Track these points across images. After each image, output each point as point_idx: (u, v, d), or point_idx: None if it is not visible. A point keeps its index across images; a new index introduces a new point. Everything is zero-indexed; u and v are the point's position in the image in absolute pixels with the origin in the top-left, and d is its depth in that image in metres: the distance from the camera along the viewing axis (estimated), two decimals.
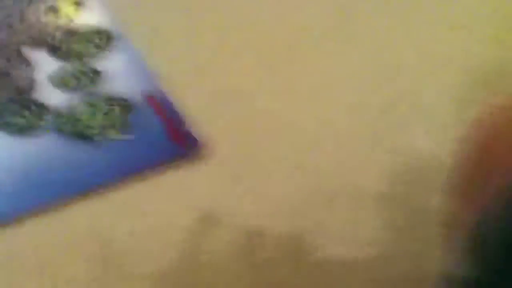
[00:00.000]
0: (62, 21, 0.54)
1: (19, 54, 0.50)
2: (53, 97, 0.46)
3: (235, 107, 0.46)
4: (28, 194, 0.38)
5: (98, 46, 0.51)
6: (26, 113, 0.44)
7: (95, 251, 0.36)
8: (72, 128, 0.42)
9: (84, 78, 0.48)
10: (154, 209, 0.38)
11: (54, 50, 0.51)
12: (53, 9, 0.55)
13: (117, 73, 0.49)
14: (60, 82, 0.47)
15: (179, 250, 0.37)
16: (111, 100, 0.45)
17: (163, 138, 0.42)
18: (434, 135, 0.44)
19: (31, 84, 0.47)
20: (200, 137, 0.42)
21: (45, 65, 0.49)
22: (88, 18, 0.55)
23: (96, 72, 0.48)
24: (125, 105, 0.45)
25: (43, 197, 0.38)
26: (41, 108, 0.44)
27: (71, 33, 0.53)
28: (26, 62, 0.49)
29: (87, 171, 0.40)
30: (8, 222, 0.37)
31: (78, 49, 0.51)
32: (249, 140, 0.43)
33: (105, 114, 0.44)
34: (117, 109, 0.45)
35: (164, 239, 0.37)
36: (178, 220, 0.38)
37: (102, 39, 0.52)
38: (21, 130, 0.42)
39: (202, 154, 0.42)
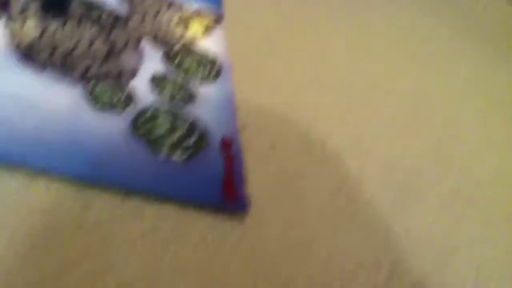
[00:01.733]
0: (187, 36, 0.56)
1: (138, 42, 0.52)
2: (146, 95, 0.46)
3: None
4: (61, 156, 0.38)
5: (206, 75, 0.52)
6: (116, 95, 0.45)
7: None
8: (146, 132, 0.42)
9: (180, 94, 0.48)
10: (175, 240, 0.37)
11: (168, 57, 0.52)
12: (185, 23, 0.58)
13: (210, 104, 0.49)
14: (159, 85, 0.48)
15: None
16: (193, 127, 0.45)
17: (218, 186, 0.42)
18: None
19: (133, 73, 0.48)
20: (249, 202, 0.42)
21: (154, 64, 0.50)
22: (209, 45, 0.57)
23: (193, 95, 0.49)
24: (202, 138, 0.45)
25: (69, 166, 0.37)
26: (131, 98, 0.45)
27: (189, 50, 0.54)
28: (140, 53, 0.51)
29: (135, 172, 0.40)
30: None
31: (188, 66, 0.52)
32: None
33: (182, 136, 0.44)
34: (194, 138, 0.45)
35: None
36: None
37: (212, 70, 0.53)
38: (103, 107, 0.43)
39: (242, 215, 0.41)
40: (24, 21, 0.46)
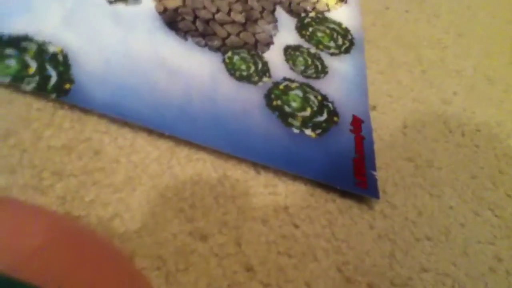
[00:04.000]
0: (319, 5, 0.55)
1: (273, 11, 0.51)
2: (280, 66, 0.46)
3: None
4: (201, 126, 0.39)
5: (338, 46, 0.51)
6: (252, 65, 0.45)
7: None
8: (280, 106, 0.42)
9: (312, 67, 0.47)
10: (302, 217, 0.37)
11: (301, 27, 0.51)
12: None
13: (341, 79, 0.48)
14: (292, 57, 0.48)
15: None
16: (325, 102, 0.45)
17: (348, 166, 0.41)
18: None
19: (268, 44, 0.48)
20: (378, 187, 0.40)
21: (288, 34, 0.50)
22: (342, 15, 0.55)
23: (324, 69, 0.48)
24: (333, 114, 0.44)
25: (209, 136, 0.38)
26: (266, 69, 0.45)
27: (322, 20, 0.53)
28: (274, 22, 0.50)
29: (270, 146, 0.40)
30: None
31: (321, 38, 0.51)
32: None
33: (313, 112, 0.44)
34: (325, 114, 0.44)
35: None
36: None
37: (345, 42, 0.52)
38: (240, 76, 0.43)
39: (372, 201, 0.40)
40: None
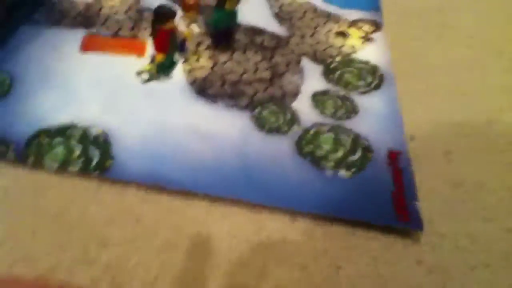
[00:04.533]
0: (345, 48, 0.56)
1: (298, 62, 0.53)
2: (308, 113, 0.47)
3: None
4: (237, 182, 0.40)
5: (368, 84, 0.51)
6: (281, 117, 0.46)
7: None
8: (311, 151, 0.43)
9: (342, 110, 0.48)
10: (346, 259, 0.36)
11: (328, 72, 0.52)
12: (343, 35, 0.58)
13: (373, 115, 0.48)
14: (320, 102, 0.49)
15: None
16: (357, 142, 0.45)
17: (388, 202, 0.40)
18: None
19: (295, 93, 0.50)
20: (422, 218, 0.39)
21: (314, 81, 0.51)
22: (369, 54, 0.55)
23: (355, 108, 0.48)
24: (367, 152, 0.44)
25: (244, 191, 0.39)
26: (295, 118, 0.46)
27: (349, 62, 0.54)
28: (300, 72, 0.52)
29: (304, 193, 0.40)
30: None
31: (349, 79, 0.52)
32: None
33: (346, 152, 0.44)
34: (358, 153, 0.44)
35: None
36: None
37: (375, 79, 0.52)
38: (270, 130, 0.45)
39: (416, 234, 0.38)
40: (197, 59, 0.51)
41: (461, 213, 0.40)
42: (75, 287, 0.30)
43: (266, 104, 0.47)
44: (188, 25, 0.50)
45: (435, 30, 0.60)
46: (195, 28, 0.51)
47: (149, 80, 0.47)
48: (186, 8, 0.50)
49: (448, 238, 0.38)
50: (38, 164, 0.39)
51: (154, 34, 0.46)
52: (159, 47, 0.46)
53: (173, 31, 0.47)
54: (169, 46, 0.47)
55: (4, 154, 0.39)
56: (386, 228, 0.38)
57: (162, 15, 0.45)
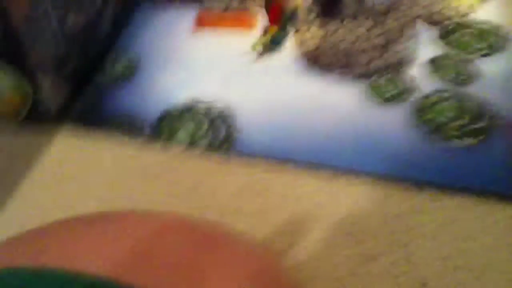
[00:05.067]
0: (462, 8, 0.53)
1: (413, 25, 0.51)
2: (427, 80, 0.46)
3: None
4: (356, 154, 0.40)
5: (490, 46, 0.48)
6: (399, 84, 0.45)
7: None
8: (432, 119, 0.42)
9: (462, 74, 0.46)
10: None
11: (445, 35, 0.50)
12: None
13: (499, 79, 0.46)
14: (439, 68, 0.47)
15: None
16: (482, 109, 0.43)
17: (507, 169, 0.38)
18: None
19: (412, 59, 0.48)
20: None
21: (431, 46, 0.49)
22: (488, 14, 0.52)
23: (477, 73, 0.46)
24: (493, 120, 0.42)
25: (365, 163, 0.39)
26: (413, 86, 0.45)
27: (467, 24, 0.51)
28: (416, 36, 0.50)
29: (426, 163, 0.40)
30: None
31: (468, 42, 0.49)
32: None
33: (471, 120, 0.42)
34: (484, 121, 0.42)
35: None
36: None
37: (495, 41, 0.49)
38: (387, 99, 0.44)
39: None
40: (308, 29, 0.51)
41: None
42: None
43: (382, 72, 0.46)
44: None
45: None
46: (306, 0, 0.51)
47: (263, 53, 0.48)
48: None
49: None
50: (171, 139, 0.41)
51: (268, 7, 0.46)
52: (274, 19, 0.47)
53: (285, 2, 0.47)
54: (283, 18, 0.48)
55: (142, 131, 0.42)
56: None
57: None
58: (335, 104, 0.44)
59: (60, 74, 0.43)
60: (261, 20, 0.51)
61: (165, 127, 0.42)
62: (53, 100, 0.43)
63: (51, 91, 0.42)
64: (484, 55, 0.48)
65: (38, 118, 0.42)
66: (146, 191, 0.39)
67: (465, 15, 0.52)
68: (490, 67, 0.46)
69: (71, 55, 0.44)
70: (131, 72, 0.47)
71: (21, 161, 0.41)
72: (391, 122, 0.42)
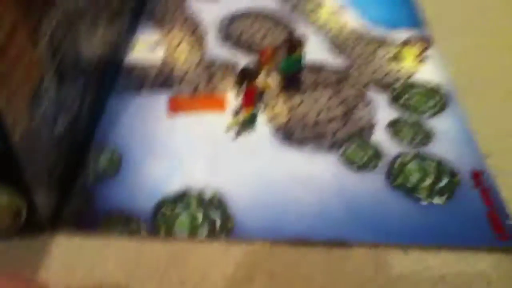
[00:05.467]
0: (403, 72, 0.60)
1: (364, 93, 0.57)
2: (388, 144, 0.51)
3: None
4: (345, 224, 0.44)
5: (435, 105, 0.55)
6: (365, 152, 0.50)
7: None
8: (402, 185, 0.47)
9: (419, 135, 0.52)
10: None
11: (397, 97, 0.56)
12: (397, 59, 0.61)
13: (448, 137, 0.52)
14: (397, 133, 0.52)
15: None
16: (441, 167, 0.49)
17: (484, 223, 0.44)
18: None
19: (371, 126, 0.53)
20: None
21: (384, 110, 0.55)
22: (427, 74, 0.59)
23: (429, 132, 0.52)
24: (454, 175, 0.48)
25: (354, 232, 0.43)
26: (378, 152, 0.50)
27: (410, 85, 0.58)
28: (370, 103, 0.56)
29: (401, 225, 0.45)
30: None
31: (416, 103, 0.55)
32: None
33: (435, 178, 0.48)
34: (446, 178, 0.48)
35: None
36: None
37: (441, 99, 0.56)
38: (358, 167, 0.49)
39: None
40: (275, 104, 0.55)
41: None
42: None
43: (349, 140, 0.51)
44: (266, 77, 0.54)
45: (486, 38, 0.63)
46: (273, 80, 0.55)
47: (239, 132, 0.52)
48: (264, 61, 0.54)
49: None
50: (169, 234, 0.43)
51: (241, 91, 0.50)
52: (248, 102, 0.51)
53: (259, 84, 0.51)
54: (256, 99, 0.51)
55: (138, 231, 0.43)
56: (490, 249, 0.42)
57: (250, 73, 0.49)
58: (316, 177, 0.48)
59: (50, 182, 0.43)
60: (231, 100, 0.55)
61: (161, 221, 0.44)
62: (46, 210, 0.43)
63: (43, 201, 0.42)
64: (432, 115, 0.54)
65: (31, 230, 0.42)
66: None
67: (408, 77, 0.59)
68: (440, 126, 0.53)
69: (59, 159, 0.44)
70: (116, 167, 0.48)
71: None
72: (367, 189, 0.47)
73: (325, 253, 0.43)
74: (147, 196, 0.46)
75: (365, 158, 0.50)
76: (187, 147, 0.50)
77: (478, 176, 0.48)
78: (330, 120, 0.54)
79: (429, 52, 0.62)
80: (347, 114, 0.54)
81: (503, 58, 0.60)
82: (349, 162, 0.49)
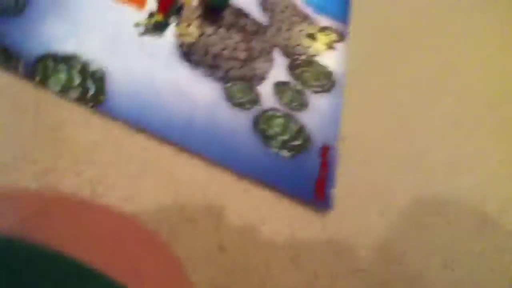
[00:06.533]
0: (311, 50, 0.66)
1: (271, 51, 0.63)
2: (269, 98, 0.58)
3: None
4: (201, 141, 0.50)
5: (321, 86, 0.62)
6: (247, 95, 0.56)
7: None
8: (264, 129, 0.54)
9: (296, 101, 0.59)
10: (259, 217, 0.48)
11: (292, 67, 0.63)
12: (312, 37, 0.68)
13: (319, 113, 0.59)
14: (280, 91, 0.59)
15: None
16: (301, 131, 0.56)
17: (312, 184, 0.52)
18: None
19: (262, 78, 0.59)
20: (333, 202, 0.51)
21: (279, 72, 0.61)
22: (329, 60, 0.66)
23: (306, 103, 0.59)
24: (306, 141, 0.55)
25: (203, 147, 0.50)
26: (257, 99, 0.56)
27: (310, 62, 0.64)
28: (270, 61, 0.62)
29: (251, 160, 0.51)
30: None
31: (307, 78, 0.62)
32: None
33: (291, 137, 0.55)
34: (300, 140, 0.55)
35: None
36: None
37: (328, 83, 0.63)
38: (235, 104, 0.55)
39: (326, 211, 0.51)
40: (188, 25, 0.59)
41: (366, 206, 0.53)
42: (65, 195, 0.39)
43: (237, 81, 0.57)
44: None
45: (396, 52, 0.71)
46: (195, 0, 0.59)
47: (144, 33, 0.55)
48: None
49: (346, 220, 0.51)
50: (43, 84, 0.46)
51: None
52: (162, 8, 0.54)
53: None
54: (171, 9, 0.55)
55: (16, 68, 0.46)
56: (306, 202, 0.50)
57: None
58: (195, 95, 0.53)
59: None
60: (150, 2, 0.58)
61: (40, 70, 0.47)
62: None
63: None
64: (316, 92, 0.61)
65: None
66: (12, 122, 0.43)
67: (312, 56, 0.65)
68: (318, 103, 0.60)
69: None
70: (19, 9, 0.50)
71: None
72: (234, 123, 0.53)
73: (174, 152, 0.48)
74: (37, 45, 0.48)
75: (244, 100, 0.55)
76: (93, 20, 0.53)
77: (326, 150, 0.55)
78: (230, 59, 0.59)
79: (339, 45, 0.69)
80: (247, 61, 0.60)
81: (401, 75, 0.69)
82: (229, 96, 0.55)
